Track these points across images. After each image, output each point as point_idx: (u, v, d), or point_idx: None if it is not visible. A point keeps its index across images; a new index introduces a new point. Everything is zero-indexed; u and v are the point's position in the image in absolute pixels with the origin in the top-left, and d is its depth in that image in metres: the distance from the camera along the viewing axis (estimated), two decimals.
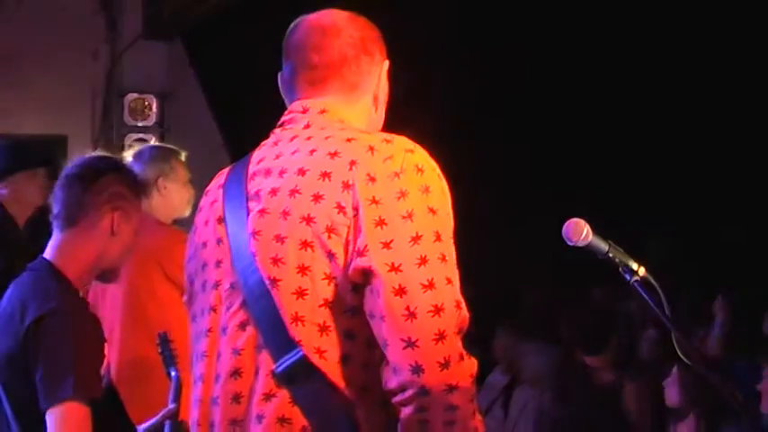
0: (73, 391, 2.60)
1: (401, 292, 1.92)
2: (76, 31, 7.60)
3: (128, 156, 4.68)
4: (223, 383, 2.06)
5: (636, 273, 2.48)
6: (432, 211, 1.98)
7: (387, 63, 2.25)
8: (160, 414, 3.04)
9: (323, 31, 2.19)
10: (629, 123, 7.93)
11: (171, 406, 3.09)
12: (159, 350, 3.16)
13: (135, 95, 7.42)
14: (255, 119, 8.08)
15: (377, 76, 2.23)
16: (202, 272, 2.17)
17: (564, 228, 2.46)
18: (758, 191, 7.31)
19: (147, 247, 4.55)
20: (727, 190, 7.65)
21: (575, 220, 2.47)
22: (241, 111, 7.72)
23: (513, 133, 7.97)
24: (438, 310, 1.92)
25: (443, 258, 1.96)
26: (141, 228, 4.32)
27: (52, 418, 2.59)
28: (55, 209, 2.88)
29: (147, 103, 7.46)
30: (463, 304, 1.97)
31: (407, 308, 1.91)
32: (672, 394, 4.90)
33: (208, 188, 2.26)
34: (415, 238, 1.94)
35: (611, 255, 2.48)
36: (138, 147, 4.99)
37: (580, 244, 2.46)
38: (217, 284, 2.12)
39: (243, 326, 2.05)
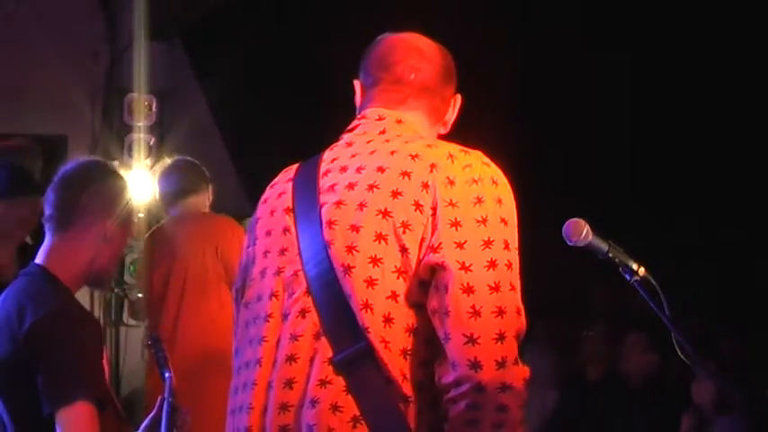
0: (80, 391, 2.60)
1: (469, 290, 2.01)
2: (76, 31, 7.60)
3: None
4: (279, 368, 2.11)
5: (636, 273, 2.49)
6: (503, 221, 2.08)
7: (459, 97, 2.38)
8: (156, 407, 3.04)
9: (421, 55, 2.31)
10: (645, 128, 7.94)
11: (167, 399, 3.09)
12: (152, 351, 3.17)
13: (135, 95, 7.41)
14: (255, 119, 8.09)
15: (451, 106, 2.36)
16: (263, 259, 2.22)
17: (564, 228, 2.47)
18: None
19: (201, 233, 4.63)
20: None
21: (575, 219, 2.47)
22: (241, 111, 7.72)
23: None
24: (501, 311, 2.01)
25: (510, 266, 2.05)
26: (188, 219, 4.39)
27: (62, 420, 2.59)
28: (47, 211, 2.87)
29: (147, 103, 7.45)
30: (523, 312, 2.06)
31: (473, 306, 2.00)
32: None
33: (274, 182, 2.32)
34: (487, 243, 2.04)
35: (611, 255, 2.49)
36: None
37: (580, 244, 2.46)
38: (279, 271, 2.17)
39: (303, 313, 2.10)
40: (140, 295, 7.52)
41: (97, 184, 2.88)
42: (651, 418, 5.71)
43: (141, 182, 7.44)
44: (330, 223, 2.11)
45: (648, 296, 2.47)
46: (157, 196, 5.23)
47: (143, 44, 7.23)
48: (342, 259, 2.07)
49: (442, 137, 2.36)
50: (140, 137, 7.47)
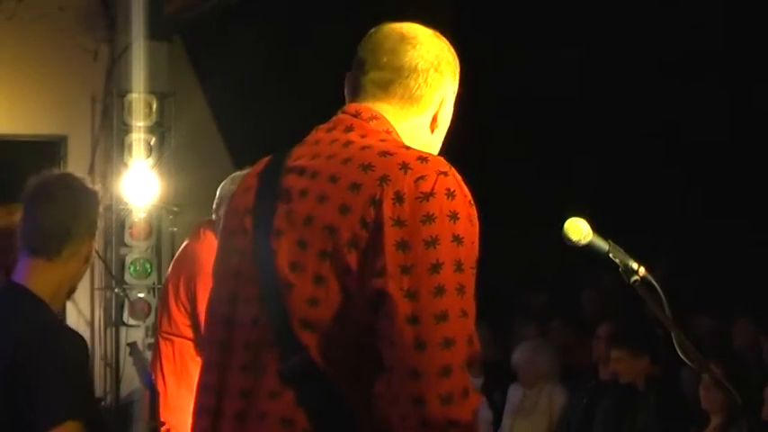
0: (68, 411, 2.59)
1: (414, 320, 1.89)
2: (76, 31, 7.60)
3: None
4: (233, 377, 2.06)
5: (636, 272, 2.48)
6: (457, 238, 1.93)
7: (455, 89, 2.23)
8: None
9: (401, 38, 2.16)
10: (630, 126, 7.94)
11: (151, 424, 3.07)
12: (132, 361, 3.12)
13: (135, 95, 7.41)
14: (255, 119, 8.09)
15: (442, 98, 2.19)
16: (225, 259, 2.17)
17: (564, 227, 2.46)
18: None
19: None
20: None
21: (575, 219, 2.47)
22: (241, 111, 7.72)
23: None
24: (448, 343, 1.89)
25: (461, 289, 1.92)
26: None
27: None
28: (31, 237, 2.80)
29: (147, 102, 7.45)
30: (476, 338, 1.94)
31: (417, 337, 1.89)
32: None
33: (248, 174, 2.22)
34: (436, 266, 1.90)
35: (611, 255, 2.48)
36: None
37: (580, 244, 2.45)
38: (237, 274, 2.11)
39: (255, 320, 2.04)
40: (141, 295, 7.54)
41: (84, 209, 2.84)
42: (658, 420, 5.71)
43: (141, 182, 7.44)
44: (278, 232, 2.03)
45: (649, 296, 2.46)
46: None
47: (143, 44, 7.23)
48: (284, 275, 1.99)
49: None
50: (140, 137, 7.47)
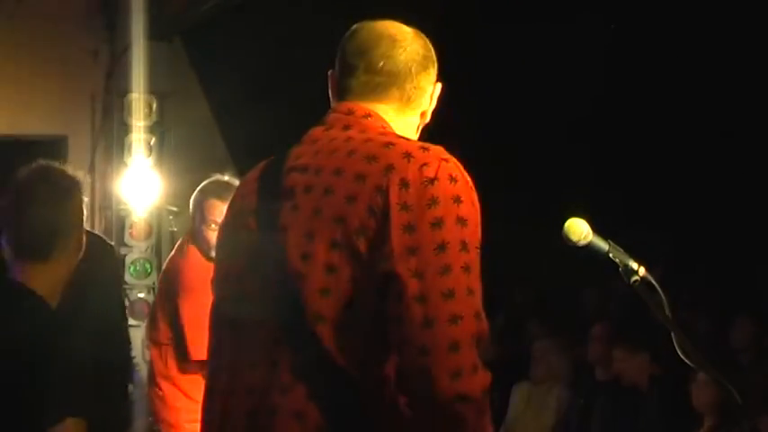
0: (69, 409, 2.60)
1: (422, 299, 1.94)
2: (76, 31, 7.60)
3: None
4: (241, 375, 2.08)
5: (636, 272, 2.48)
6: (461, 220, 2.00)
7: (439, 85, 2.30)
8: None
9: (393, 41, 2.23)
10: (631, 124, 7.94)
11: (149, 419, 3.06)
12: None
13: (135, 95, 7.41)
14: (255, 119, 8.08)
15: (429, 96, 2.28)
16: (229, 261, 2.19)
17: (564, 227, 2.46)
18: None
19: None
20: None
21: (575, 219, 2.46)
22: (241, 110, 7.72)
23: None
24: (456, 318, 1.94)
25: (467, 268, 1.98)
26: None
27: None
28: (20, 244, 2.76)
29: (147, 102, 7.45)
30: (483, 315, 1.99)
31: (426, 315, 1.94)
32: None
33: (245, 179, 2.28)
34: (441, 246, 1.97)
35: (611, 255, 2.48)
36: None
37: (580, 244, 2.45)
38: (242, 275, 2.14)
39: (264, 318, 2.06)
40: (141, 295, 7.54)
41: (74, 202, 2.82)
42: (660, 420, 5.71)
43: (141, 182, 7.44)
44: (286, 228, 2.06)
45: (648, 296, 2.46)
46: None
47: (143, 44, 7.23)
48: (295, 266, 2.02)
49: (422, 127, 2.31)
50: (140, 137, 7.47)
